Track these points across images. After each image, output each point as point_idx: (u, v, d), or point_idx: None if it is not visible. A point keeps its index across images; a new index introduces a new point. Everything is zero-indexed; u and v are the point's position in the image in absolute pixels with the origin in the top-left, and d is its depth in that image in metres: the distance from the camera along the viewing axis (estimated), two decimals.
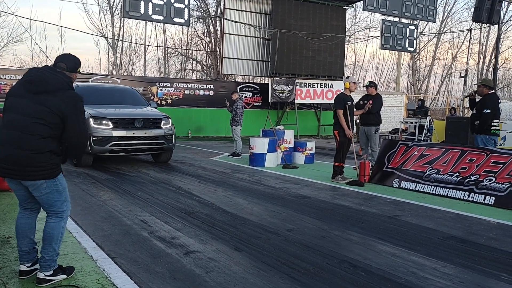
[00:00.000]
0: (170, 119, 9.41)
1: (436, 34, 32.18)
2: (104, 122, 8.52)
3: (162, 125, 9.11)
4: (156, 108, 10.25)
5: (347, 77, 8.11)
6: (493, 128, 7.32)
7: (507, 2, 16.90)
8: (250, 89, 18.81)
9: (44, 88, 3.06)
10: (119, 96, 10.40)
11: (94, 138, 8.35)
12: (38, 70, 3.18)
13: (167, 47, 29.93)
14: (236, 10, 17.19)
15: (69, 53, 3.37)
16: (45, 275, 3.19)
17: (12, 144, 3.04)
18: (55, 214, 3.24)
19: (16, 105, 3.09)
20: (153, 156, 10.01)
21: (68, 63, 3.26)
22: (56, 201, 3.21)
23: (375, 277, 3.54)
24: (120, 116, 8.82)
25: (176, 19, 12.95)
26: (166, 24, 27.07)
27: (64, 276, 3.28)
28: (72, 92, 3.17)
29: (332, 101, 9.58)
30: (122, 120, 8.75)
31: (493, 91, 7.59)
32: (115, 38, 27.01)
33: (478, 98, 7.64)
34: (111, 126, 8.53)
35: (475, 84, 8.12)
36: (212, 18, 25.62)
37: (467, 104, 10.87)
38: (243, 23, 16.98)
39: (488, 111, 7.20)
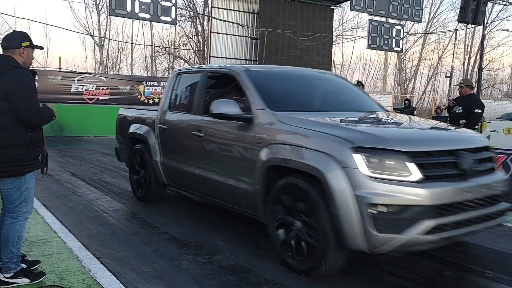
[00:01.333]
0: None
1: (422, 34, 32.59)
2: (393, 163, 3.19)
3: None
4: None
5: None
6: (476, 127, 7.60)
7: (492, 3, 17.15)
8: None
9: None
10: (325, 90, 5.07)
11: (374, 212, 3.06)
12: None
13: (154, 46, 29.79)
14: (224, 9, 17.13)
15: (13, 30, 3.27)
16: (4, 277, 3.14)
17: None
18: (10, 213, 3.15)
19: None
20: None
21: (9, 40, 3.13)
22: (15, 199, 3.13)
23: None
24: (431, 147, 3.41)
25: (163, 18, 12.86)
26: (153, 23, 26.89)
27: (26, 280, 3.17)
28: (14, 70, 3.03)
29: None
30: (436, 155, 3.36)
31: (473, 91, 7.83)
32: (102, 36, 26.78)
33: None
34: (420, 176, 3.15)
35: (457, 85, 8.25)
36: (200, 17, 25.56)
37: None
38: (231, 22, 16.94)
39: (480, 111, 7.37)
